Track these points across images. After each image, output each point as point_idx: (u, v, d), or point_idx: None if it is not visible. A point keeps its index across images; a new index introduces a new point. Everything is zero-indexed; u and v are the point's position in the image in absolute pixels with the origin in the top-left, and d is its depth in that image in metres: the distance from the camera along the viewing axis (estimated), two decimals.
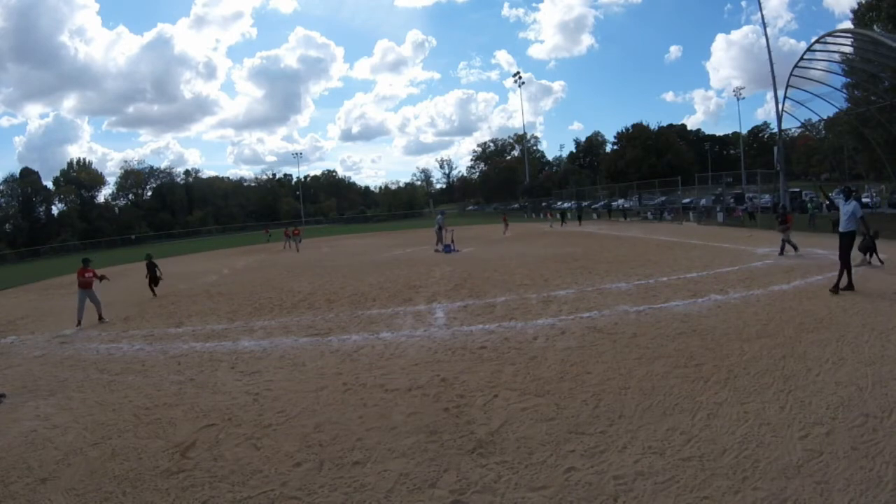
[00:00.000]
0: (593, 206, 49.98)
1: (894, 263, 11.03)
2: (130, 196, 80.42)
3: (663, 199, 37.26)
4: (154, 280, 14.42)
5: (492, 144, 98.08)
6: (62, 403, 5.88)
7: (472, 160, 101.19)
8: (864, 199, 26.32)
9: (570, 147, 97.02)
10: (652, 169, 56.35)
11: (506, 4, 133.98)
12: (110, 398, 5.92)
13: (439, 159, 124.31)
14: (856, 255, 9.59)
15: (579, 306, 8.72)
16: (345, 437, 4.43)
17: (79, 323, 10.67)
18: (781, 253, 13.20)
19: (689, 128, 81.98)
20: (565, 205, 55.82)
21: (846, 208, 8.73)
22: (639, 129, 69.62)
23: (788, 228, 13.34)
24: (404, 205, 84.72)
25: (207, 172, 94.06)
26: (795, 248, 13.32)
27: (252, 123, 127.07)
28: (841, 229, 8.68)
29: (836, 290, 8.49)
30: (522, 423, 4.43)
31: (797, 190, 30.74)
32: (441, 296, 10.63)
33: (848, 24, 30.29)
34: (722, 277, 10.50)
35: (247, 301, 11.90)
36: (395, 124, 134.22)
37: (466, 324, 8.11)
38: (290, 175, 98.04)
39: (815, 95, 21.50)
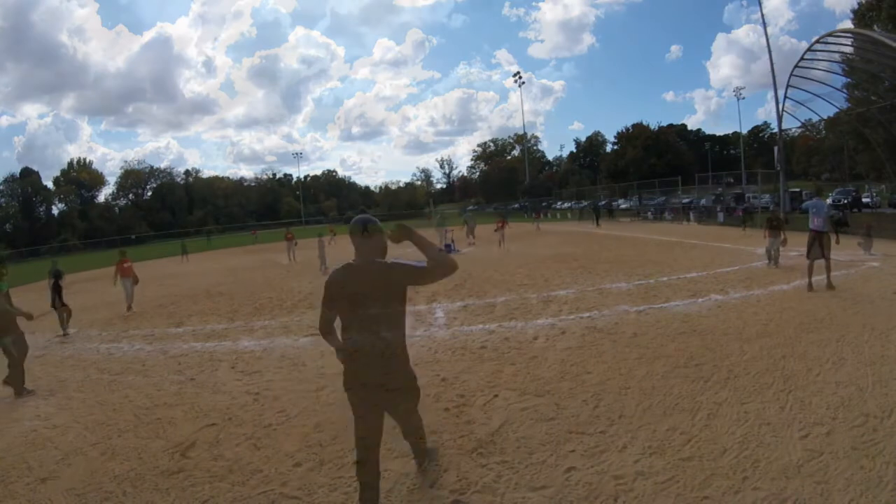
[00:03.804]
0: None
1: (894, 263, 11.04)
2: (130, 196, 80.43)
3: (663, 199, 37.21)
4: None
5: (492, 144, 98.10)
6: (62, 403, 5.89)
7: (472, 160, 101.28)
8: (864, 199, 26.37)
9: (571, 147, 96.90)
10: (652, 169, 56.31)
11: (506, 4, 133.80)
12: (110, 398, 5.93)
13: (439, 159, 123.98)
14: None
15: (579, 306, 8.72)
16: (345, 436, 4.43)
17: (129, 308, 11.99)
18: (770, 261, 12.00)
19: (689, 128, 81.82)
20: (565, 205, 55.79)
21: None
22: (639, 128, 69.61)
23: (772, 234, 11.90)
24: (404, 205, 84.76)
25: (207, 172, 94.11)
26: (769, 259, 11.91)
27: (252, 123, 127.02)
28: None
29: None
30: (522, 423, 4.43)
31: (797, 190, 30.70)
32: (441, 296, 10.63)
33: (848, 24, 30.26)
34: (722, 277, 10.50)
35: (247, 301, 11.90)
36: (395, 124, 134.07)
37: (466, 324, 8.11)
38: (290, 175, 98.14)
39: (816, 95, 21.51)
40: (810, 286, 8.78)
